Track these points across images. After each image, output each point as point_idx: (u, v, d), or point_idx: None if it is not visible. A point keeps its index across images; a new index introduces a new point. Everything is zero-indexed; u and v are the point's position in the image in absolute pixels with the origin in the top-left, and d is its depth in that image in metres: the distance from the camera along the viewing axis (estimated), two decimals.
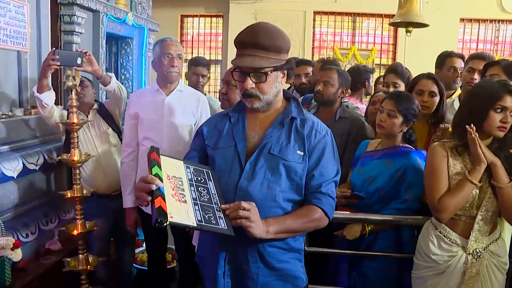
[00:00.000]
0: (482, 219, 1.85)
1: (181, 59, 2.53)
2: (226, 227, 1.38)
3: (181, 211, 1.35)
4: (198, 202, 1.42)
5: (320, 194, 1.61)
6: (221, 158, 1.64)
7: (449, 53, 3.18)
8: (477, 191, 1.85)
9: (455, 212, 1.86)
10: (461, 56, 3.16)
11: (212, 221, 1.37)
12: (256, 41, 1.52)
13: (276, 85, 1.61)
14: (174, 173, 1.48)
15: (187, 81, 3.61)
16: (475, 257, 1.85)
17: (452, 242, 1.90)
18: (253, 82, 1.56)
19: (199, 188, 1.49)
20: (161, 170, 1.41)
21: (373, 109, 2.91)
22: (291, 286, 1.68)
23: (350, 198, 2.27)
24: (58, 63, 2.37)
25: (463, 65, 3.08)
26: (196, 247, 1.86)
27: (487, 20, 7.84)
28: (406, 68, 3.23)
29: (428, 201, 1.95)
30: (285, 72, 1.63)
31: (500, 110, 1.80)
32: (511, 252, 2.04)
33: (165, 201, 1.32)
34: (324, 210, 1.60)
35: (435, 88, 2.47)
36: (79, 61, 2.36)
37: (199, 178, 1.53)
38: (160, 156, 1.49)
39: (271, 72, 1.56)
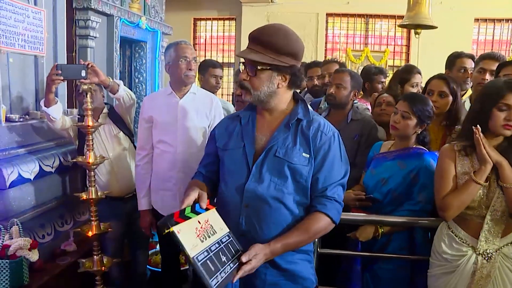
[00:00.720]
0: (491, 219, 1.84)
1: (196, 62, 2.56)
2: (210, 285, 1.32)
3: (190, 239, 1.36)
4: (211, 254, 1.39)
5: (325, 199, 1.61)
6: (230, 159, 1.67)
7: (459, 53, 3.15)
8: (485, 190, 1.84)
9: (459, 211, 1.87)
10: (471, 57, 3.13)
11: (208, 269, 1.34)
12: (259, 36, 1.56)
13: (269, 85, 1.59)
14: (214, 225, 1.48)
15: (199, 84, 3.65)
16: (486, 258, 1.84)
17: (463, 242, 1.90)
18: (248, 75, 1.59)
19: (222, 252, 1.44)
20: (195, 214, 1.45)
21: (378, 110, 2.90)
22: (300, 287, 1.69)
23: (364, 201, 2.27)
24: (62, 78, 2.38)
25: (473, 66, 3.05)
26: None
27: (503, 20, 7.74)
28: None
29: (435, 200, 1.96)
30: (286, 76, 1.60)
31: (504, 108, 1.79)
32: None
33: (184, 219, 1.38)
34: (329, 216, 1.59)
35: (445, 89, 2.45)
36: (83, 73, 2.37)
37: (229, 249, 1.47)
38: (214, 209, 1.53)
39: (263, 69, 1.56)
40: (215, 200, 1.75)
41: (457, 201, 1.85)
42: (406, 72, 3.17)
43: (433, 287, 2.02)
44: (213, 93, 3.15)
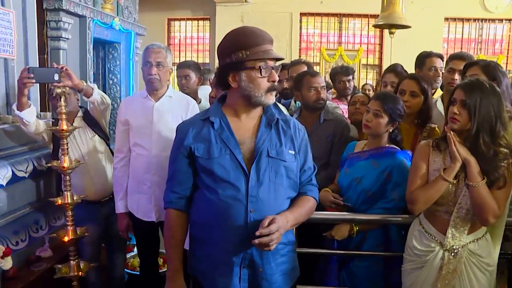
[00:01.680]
0: (457, 216, 1.90)
1: (162, 65, 2.51)
2: None
3: None
4: None
5: (312, 186, 1.78)
6: (219, 167, 1.60)
7: (428, 53, 3.23)
8: (453, 188, 1.90)
9: (426, 205, 1.94)
10: (440, 56, 3.21)
11: None
12: (270, 37, 1.61)
13: None
14: None
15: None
16: (452, 254, 1.90)
17: (432, 238, 1.97)
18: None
19: None
20: None
21: (353, 109, 3.00)
22: (289, 278, 1.75)
23: (340, 206, 2.32)
24: (34, 81, 2.35)
25: (442, 65, 3.14)
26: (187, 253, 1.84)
27: (471, 19, 7.97)
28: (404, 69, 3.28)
29: (405, 193, 2.03)
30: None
31: (454, 103, 1.88)
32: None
33: None
34: (316, 199, 1.79)
35: (416, 88, 2.52)
36: (56, 77, 2.33)
37: None
38: None
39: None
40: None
41: (424, 195, 1.92)
42: (389, 71, 3.27)
43: (405, 282, 2.08)
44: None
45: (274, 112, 1.70)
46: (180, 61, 3.86)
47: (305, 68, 3.35)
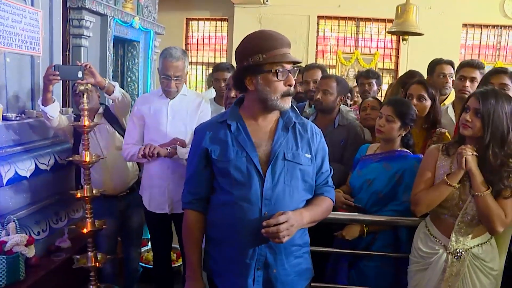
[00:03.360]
0: (462, 221, 1.92)
1: (180, 78, 2.60)
2: None
3: None
4: None
5: (329, 187, 1.81)
6: (236, 169, 1.61)
7: (438, 60, 3.26)
8: (457, 192, 1.92)
9: (429, 208, 1.98)
10: (450, 63, 3.23)
11: None
12: (287, 41, 1.62)
13: None
14: None
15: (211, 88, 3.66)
16: (456, 257, 1.93)
17: (436, 240, 2.00)
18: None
19: None
20: None
21: (364, 115, 3.04)
22: (304, 279, 1.78)
23: (351, 208, 2.36)
24: (58, 78, 2.44)
25: (452, 71, 3.16)
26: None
27: (490, 26, 7.90)
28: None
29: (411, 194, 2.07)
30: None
31: (467, 110, 1.91)
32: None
33: None
34: (332, 199, 1.81)
35: (424, 93, 2.55)
36: (80, 74, 2.42)
37: None
38: None
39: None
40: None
41: (427, 198, 1.96)
42: (409, 77, 3.27)
43: (410, 283, 2.12)
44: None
45: (292, 115, 1.71)
46: (201, 62, 3.90)
47: (319, 73, 3.38)
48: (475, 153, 1.88)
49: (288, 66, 1.60)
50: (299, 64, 1.68)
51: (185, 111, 2.67)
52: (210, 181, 1.72)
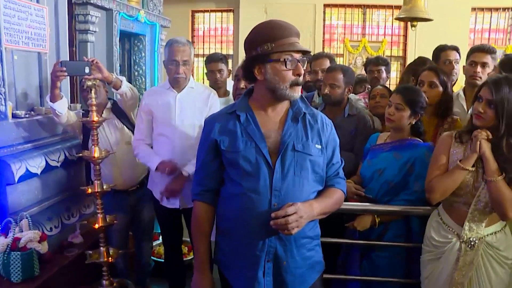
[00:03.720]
0: (475, 209, 1.91)
1: (188, 64, 2.60)
2: None
3: None
4: None
5: (339, 179, 1.79)
6: (245, 160, 1.61)
7: (443, 46, 3.23)
8: (471, 179, 1.91)
9: (444, 195, 1.95)
10: (455, 48, 3.19)
11: None
12: (296, 30, 1.61)
13: None
14: None
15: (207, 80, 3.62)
16: (469, 246, 1.91)
17: (449, 229, 1.98)
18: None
19: None
20: None
21: (373, 103, 3.01)
22: (316, 272, 1.77)
23: (361, 198, 2.35)
24: (66, 74, 2.44)
25: (458, 57, 3.11)
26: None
27: (500, 9, 7.77)
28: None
29: (425, 183, 2.05)
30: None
31: (480, 100, 1.89)
32: None
33: None
34: (343, 191, 1.80)
35: (435, 79, 2.52)
36: (87, 70, 2.42)
37: None
38: None
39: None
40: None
41: (442, 184, 1.94)
42: (419, 64, 3.23)
43: (423, 272, 2.11)
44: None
45: (301, 106, 1.70)
46: (208, 54, 3.85)
47: (327, 62, 3.34)
48: (490, 137, 1.86)
49: (297, 56, 1.59)
50: (308, 54, 1.67)
51: (193, 104, 2.67)
52: (220, 172, 1.72)
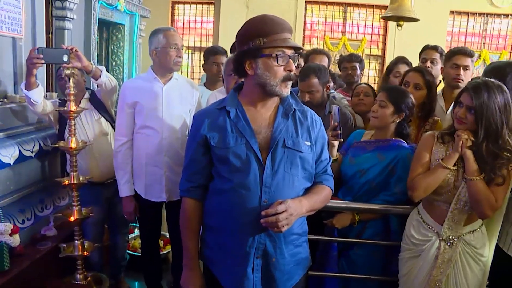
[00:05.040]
0: (456, 208, 1.95)
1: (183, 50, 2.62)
2: None
3: None
4: None
5: (328, 176, 1.80)
6: (235, 156, 1.59)
7: (425, 46, 3.27)
8: (452, 178, 1.95)
9: (426, 192, 1.98)
10: (434, 47, 3.21)
11: None
12: (289, 26, 1.59)
13: None
14: None
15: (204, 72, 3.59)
16: (448, 244, 1.97)
17: (429, 227, 2.03)
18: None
19: None
20: None
21: (356, 100, 3.03)
22: (302, 268, 1.78)
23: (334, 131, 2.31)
24: (43, 61, 2.36)
25: (436, 56, 3.14)
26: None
27: (476, 13, 7.94)
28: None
29: (407, 181, 2.08)
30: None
31: (461, 105, 1.92)
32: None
33: None
34: (331, 188, 1.80)
35: (420, 81, 2.54)
36: (65, 58, 2.35)
37: None
38: None
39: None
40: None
41: (424, 182, 1.96)
42: (392, 63, 3.28)
43: (402, 270, 2.14)
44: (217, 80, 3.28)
45: (291, 102, 1.69)
46: (187, 46, 3.82)
47: (326, 60, 3.34)
48: (471, 139, 1.89)
49: (289, 52, 1.57)
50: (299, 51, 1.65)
51: (179, 96, 2.64)
52: (209, 168, 1.70)
